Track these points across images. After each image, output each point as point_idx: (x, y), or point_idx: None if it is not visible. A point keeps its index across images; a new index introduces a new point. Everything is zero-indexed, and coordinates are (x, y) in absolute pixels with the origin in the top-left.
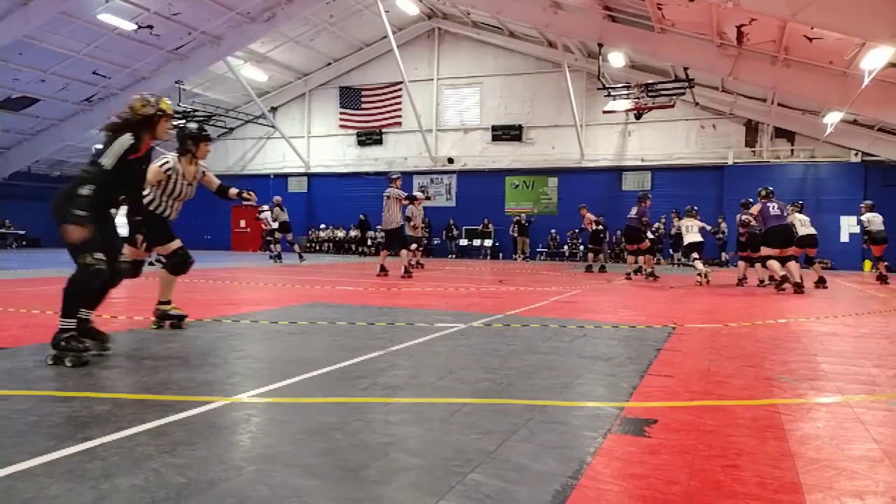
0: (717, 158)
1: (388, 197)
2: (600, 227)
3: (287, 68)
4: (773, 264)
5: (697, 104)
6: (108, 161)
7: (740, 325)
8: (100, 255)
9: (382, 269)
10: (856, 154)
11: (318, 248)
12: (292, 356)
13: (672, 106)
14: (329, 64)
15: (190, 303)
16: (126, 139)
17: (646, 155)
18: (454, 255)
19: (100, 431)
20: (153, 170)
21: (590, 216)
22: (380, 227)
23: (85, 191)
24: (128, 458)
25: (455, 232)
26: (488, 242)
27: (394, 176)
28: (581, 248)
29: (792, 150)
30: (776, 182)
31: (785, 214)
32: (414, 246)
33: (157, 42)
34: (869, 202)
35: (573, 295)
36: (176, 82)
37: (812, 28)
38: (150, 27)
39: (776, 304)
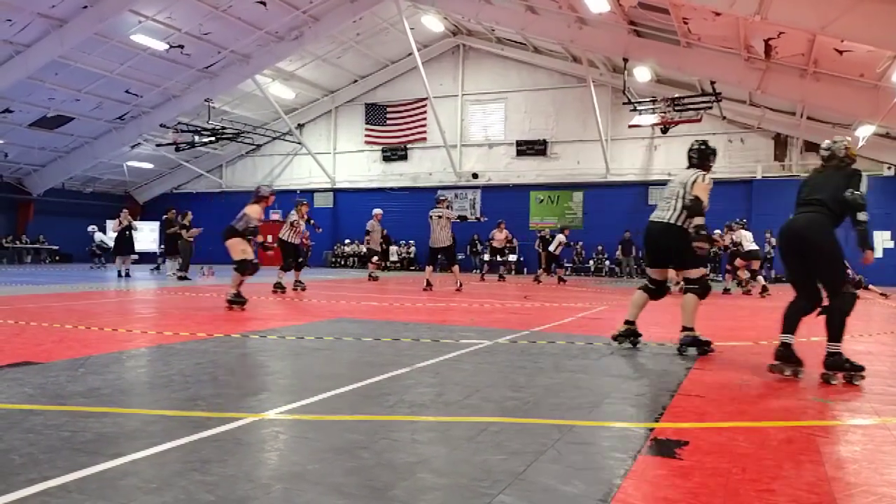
0: (745, 172)
1: (441, 217)
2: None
3: (314, 86)
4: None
5: (725, 118)
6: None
7: (771, 342)
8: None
9: (428, 283)
10: (888, 167)
11: (342, 262)
12: (319, 372)
13: (699, 120)
14: (355, 81)
15: (217, 318)
16: (862, 175)
17: (672, 169)
18: (478, 271)
19: (131, 448)
20: (707, 187)
21: (503, 236)
22: (400, 243)
23: (863, 216)
24: (158, 475)
25: (479, 247)
26: (513, 257)
27: (441, 197)
28: (607, 263)
29: None
30: None
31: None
32: (376, 259)
33: (187, 61)
34: (744, 221)
35: (600, 311)
36: (205, 100)
37: (842, 41)
38: (181, 47)
39: (809, 322)
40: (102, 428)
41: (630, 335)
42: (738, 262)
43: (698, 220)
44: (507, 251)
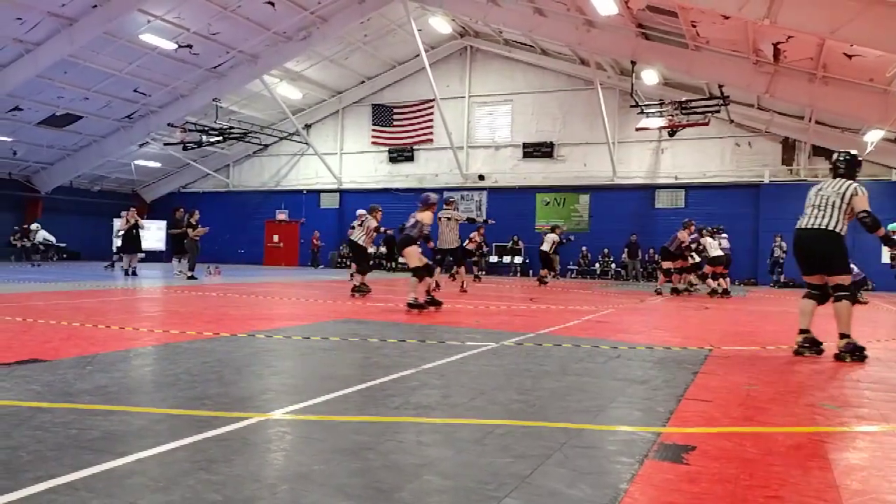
0: (752, 177)
1: (450, 219)
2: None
3: (321, 86)
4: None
5: (732, 121)
6: None
7: (778, 348)
8: None
9: (436, 284)
10: None
11: (348, 262)
12: (325, 373)
13: (706, 123)
14: (362, 82)
15: (224, 317)
16: None
17: (679, 173)
18: (484, 272)
19: (138, 446)
20: (867, 198)
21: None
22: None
23: None
24: (165, 474)
25: (485, 249)
26: (518, 259)
27: (450, 199)
28: (613, 266)
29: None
30: None
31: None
32: None
33: (195, 61)
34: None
35: (606, 314)
36: (213, 100)
37: (851, 45)
38: (190, 46)
39: (815, 328)
40: (109, 426)
41: (811, 343)
42: (706, 268)
43: (882, 231)
44: (477, 253)
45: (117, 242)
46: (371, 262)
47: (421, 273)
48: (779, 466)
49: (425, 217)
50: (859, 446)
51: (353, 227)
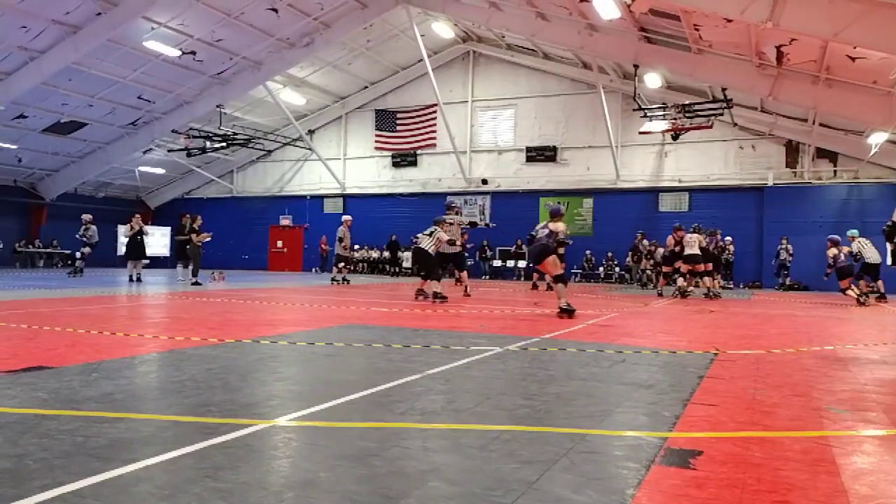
0: (756, 179)
1: (452, 223)
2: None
3: (324, 92)
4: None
5: (736, 124)
6: None
7: (784, 351)
8: None
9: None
10: None
11: (352, 268)
12: (330, 378)
13: (710, 126)
14: (365, 87)
15: (228, 323)
16: None
17: (683, 176)
18: (488, 276)
19: (144, 453)
20: None
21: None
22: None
23: None
24: (172, 481)
25: (489, 253)
26: (522, 263)
27: (452, 204)
28: (617, 269)
29: (834, 172)
30: (818, 204)
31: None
32: (342, 264)
33: (199, 67)
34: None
35: (610, 318)
36: (217, 106)
37: (855, 47)
38: (194, 53)
39: (822, 331)
40: (116, 433)
41: None
42: (683, 267)
43: None
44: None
45: (84, 249)
46: (441, 270)
47: (562, 280)
48: (786, 471)
49: (559, 226)
50: (867, 450)
51: (419, 237)
